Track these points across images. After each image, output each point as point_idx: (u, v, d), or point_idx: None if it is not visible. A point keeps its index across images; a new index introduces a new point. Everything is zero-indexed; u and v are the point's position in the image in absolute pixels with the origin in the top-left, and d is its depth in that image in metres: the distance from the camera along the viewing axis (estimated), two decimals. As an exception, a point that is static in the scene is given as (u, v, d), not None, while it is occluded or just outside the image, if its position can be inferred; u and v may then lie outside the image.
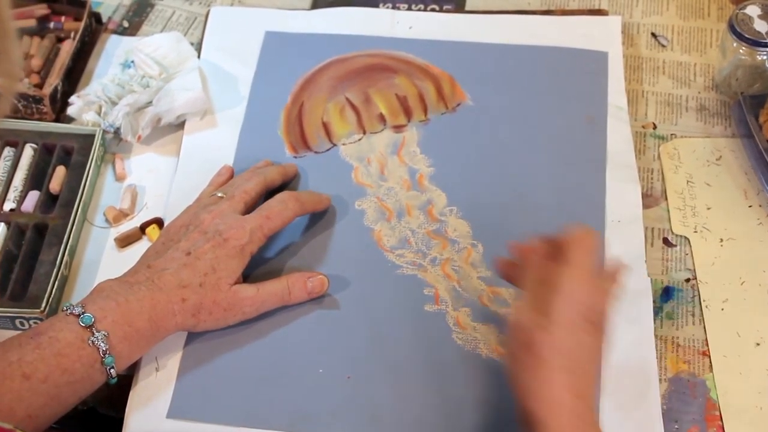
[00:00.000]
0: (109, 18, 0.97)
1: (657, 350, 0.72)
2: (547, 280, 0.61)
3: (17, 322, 0.73)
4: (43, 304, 0.73)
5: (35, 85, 0.88)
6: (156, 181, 0.83)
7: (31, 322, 0.73)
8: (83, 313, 0.65)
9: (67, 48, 0.90)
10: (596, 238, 0.63)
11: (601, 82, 0.87)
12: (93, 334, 0.64)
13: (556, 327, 0.59)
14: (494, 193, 0.81)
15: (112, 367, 0.65)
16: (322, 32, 0.93)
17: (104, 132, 0.84)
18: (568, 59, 0.89)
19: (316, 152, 0.84)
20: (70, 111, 0.86)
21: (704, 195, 0.81)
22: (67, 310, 0.65)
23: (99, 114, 0.85)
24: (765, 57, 0.83)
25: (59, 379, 0.63)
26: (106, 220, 0.81)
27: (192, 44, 0.91)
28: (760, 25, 0.83)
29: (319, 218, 0.79)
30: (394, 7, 0.96)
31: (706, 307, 0.75)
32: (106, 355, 0.65)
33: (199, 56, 0.90)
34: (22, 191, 0.80)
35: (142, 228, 0.80)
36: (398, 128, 0.85)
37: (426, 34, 0.92)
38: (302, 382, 0.70)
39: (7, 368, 0.62)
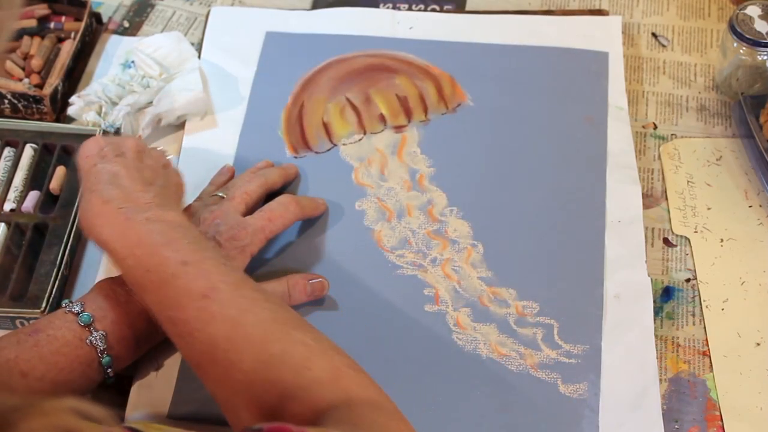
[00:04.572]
0: (110, 18, 0.97)
1: (657, 350, 0.72)
2: None
3: (17, 322, 0.73)
4: (44, 304, 0.73)
5: (35, 86, 0.88)
6: (156, 182, 0.83)
7: (31, 322, 0.73)
8: (82, 312, 0.65)
9: (68, 48, 0.90)
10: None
11: (602, 82, 0.87)
12: (91, 333, 0.64)
13: (83, 181, 0.68)
14: (494, 194, 0.81)
15: (110, 367, 0.65)
16: (322, 32, 0.93)
17: (105, 132, 0.84)
18: (569, 59, 0.89)
19: (316, 152, 0.84)
20: (71, 111, 0.86)
21: (704, 195, 0.81)
22: (66, 307, 0.66)
23: (99, 114, 0.85)
24: (765, 57, 0.83)
25: (56, 377, 0.63)
26: None
27: (192, 44, 0.91)
28: (760, 26, 0.83)
29: (319, 219, 0.79)
30: (394, 8, 0.96)
31: (707, 307, 0.75)
32: (104, 355, 0.65)
33: (199, 56, 0.90)
34: (22, 191, 0.80)
35: (143, 228, 0.80)
36: (399, 128, 0.85)
37: (426, 34, 0.92)
38: (302, 382, 0.70)
39: (5, 365, 0.62)
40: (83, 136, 0.83)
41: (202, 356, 0.61)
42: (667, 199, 0.81)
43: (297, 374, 0.57)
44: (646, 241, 0.78)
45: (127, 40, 0.94)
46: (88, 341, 0.64)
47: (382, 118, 0.86)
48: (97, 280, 0.71)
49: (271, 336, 0.59)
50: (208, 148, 0.84)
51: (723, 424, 0.68)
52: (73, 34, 0.92)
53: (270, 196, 0.78)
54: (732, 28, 0.83)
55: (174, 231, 0.64)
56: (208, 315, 0.60)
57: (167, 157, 0.74)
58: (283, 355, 0.58)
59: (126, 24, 0.96)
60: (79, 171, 0.69)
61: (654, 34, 0.93)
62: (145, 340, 0.68)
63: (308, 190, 0.81)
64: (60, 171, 0.82)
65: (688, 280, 0.76)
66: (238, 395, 0.59)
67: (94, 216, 0.64)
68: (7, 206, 0.79)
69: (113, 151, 0.69)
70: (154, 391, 0.70)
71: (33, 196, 0.80)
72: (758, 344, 0.72)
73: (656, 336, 0.72)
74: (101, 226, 0.64)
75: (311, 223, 0.79)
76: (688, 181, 0.82)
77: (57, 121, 0.87)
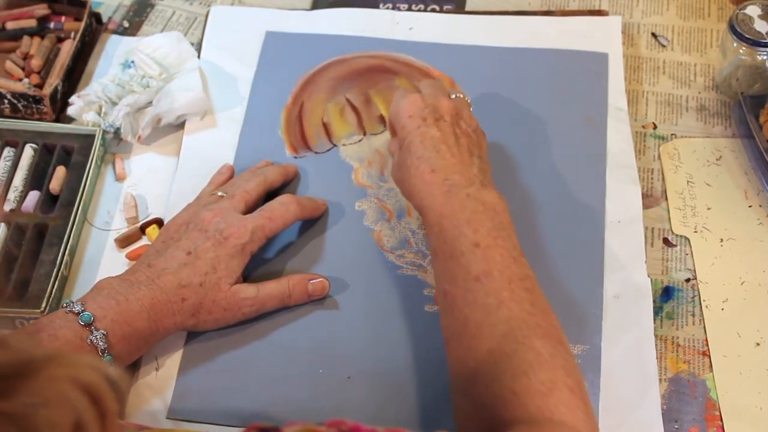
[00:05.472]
0: (110, 18, 0.97)
1: (657, 350, 0.72)
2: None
3: (17, 322, 0.73)
4: (43, 304, 0.73)
5: (35, 86, 0.88)
6: (156, 182, 0.83)
7: (31, 322, 0.73)
8: (82, 311, 0.65)
9: (68, 48, 0.90)
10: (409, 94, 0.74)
11: (602, 82, 0.87)
12: (92, 332, 0.64)
13: (405, 140, 0.71)
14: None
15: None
16: (322, 33, 0.93)
17: (104, 132, 0.84)
18: (568, 60, 0.89)
19: (316, 152, 0.84)
20: (71, 111, 0.86)
21: (704, 195, 0.81)
22: (66, 307, 0.66)
23: (99, 114, 0.85)
24: (765, 57, 0.83)
25: None
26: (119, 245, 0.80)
27: (192, 44, 0.91)
28: (760, 25, 0.83)
29: (319, 219, 0.79)
30: (394, 8, 0.96)
31: (706, 307, 0.75)
32: (105, 354, 0.65)
33: (199, 56, 0.90)
34: (22, 191, 0.80)
35: (142, 228, 0.80)
36: (398, 128, 0.85)
37: (426, 35, 0.92)
38: (302, 382, 0.71)
39: None
40: (83, 136, 0.84)
41: (452, 332, 0.63)
42: (666, 199, 0.81)
43: (514, 378, 0.58)
44: (646, 241, 0.78)
45: (127, 40, 0.94)
46: (88, 340, 0.64)
47: (382, 119, 0.86)
48: (97, 280, 0.71)
49: (512, 335, 0.60)
50: (208, 148, 0.85)
51: (723, 424, 0.68)
52: (73, 34, 0.92)
53: (270, 195, 0.78)
54: (732, 28, 0.83)
55: (484, 213, 0.66)
56: (471, 297, 0.62)
57: (470, 107, 0.77)
58: (512, 355, 0.59)
59: (126, 24, 0.96)
60: (402, 129, 0.72)
61: (654, 34, 0.93)
62: (145, 340, 0.68)
63: (308, 190, 0.82)
64: (60, 171, 0.82)
65: (687, 280, 0.76)
66: (464, 380, 0.61)
67: (422, 183, 0.68)
68: (7, 206, 0.79)
69: (432, 114, 0.72)
70: (154, 391, 0.70)
71: (33, 196, 0.80)
72: (758, 344, 0.72)
73: (656, 336, 0.72)
74: (424, 192, 0.68)
75: (311, 223, 0.79)
76: (687, 181, 0.82)
77: (57, 121, 0.87)
